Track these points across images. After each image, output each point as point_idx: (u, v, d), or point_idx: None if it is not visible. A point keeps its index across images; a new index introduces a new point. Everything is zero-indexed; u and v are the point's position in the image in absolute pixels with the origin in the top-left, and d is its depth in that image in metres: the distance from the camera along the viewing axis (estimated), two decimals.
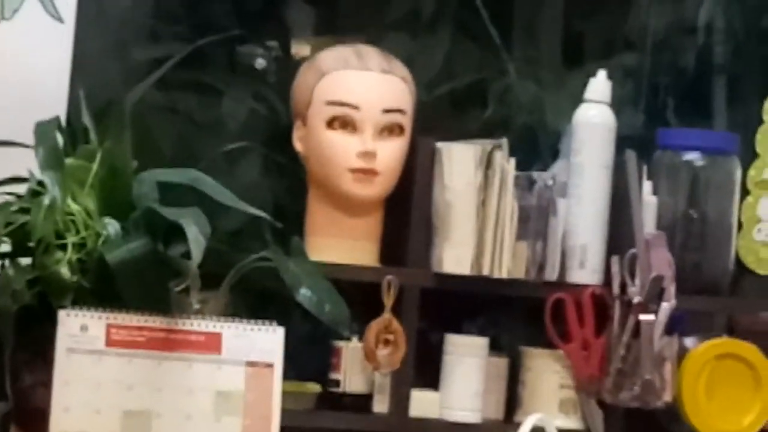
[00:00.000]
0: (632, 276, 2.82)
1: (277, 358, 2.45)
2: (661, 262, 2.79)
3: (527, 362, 2.93)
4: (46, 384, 2.33)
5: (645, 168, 2.92)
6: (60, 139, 2.53)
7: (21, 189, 2.50)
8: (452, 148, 2.84)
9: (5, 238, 2.40)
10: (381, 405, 2.81)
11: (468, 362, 2.85)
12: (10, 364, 2.42)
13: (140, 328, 2.40)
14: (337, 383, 2.83)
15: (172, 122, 2.91)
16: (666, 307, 2.77)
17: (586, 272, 2.88)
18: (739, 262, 2.99)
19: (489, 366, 2.90)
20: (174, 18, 3.02)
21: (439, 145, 2.85)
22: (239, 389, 2.45)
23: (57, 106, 2.70)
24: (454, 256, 2.82)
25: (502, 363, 2.94)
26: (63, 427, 2.33)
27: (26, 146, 2.50)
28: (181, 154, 2.75)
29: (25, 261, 2.42)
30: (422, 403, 2.81)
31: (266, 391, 2.45)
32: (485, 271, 2.82)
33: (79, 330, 2.35)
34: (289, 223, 2.77)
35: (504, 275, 2.83)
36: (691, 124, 3.10)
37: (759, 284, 2.98)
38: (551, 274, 2.87)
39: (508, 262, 2.83)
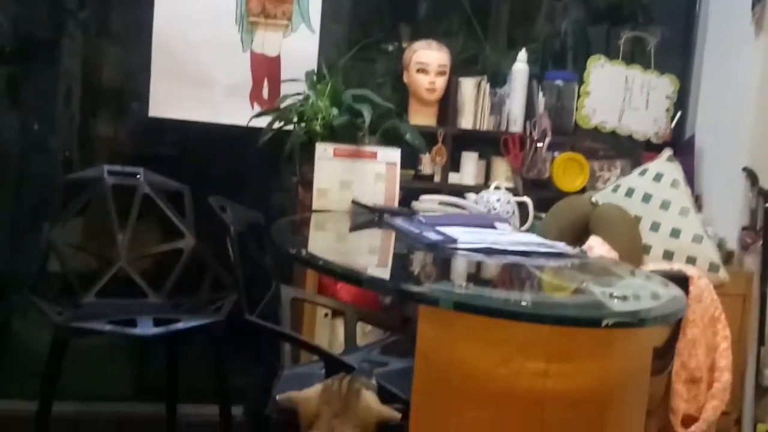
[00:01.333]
0: (534, 128, 2.82)
1: (398, 160, 2.44)
2: (546, 123, 2.80)
3: (493, 163, 2.91)
4: (311, 170, 2.37)
5: (540, 87, 2.89)
6: (314, 77, 2.53)
7: (300, 97, 2.49)
8: (464, 80, 2.84)
9: (295, 116, 2.43)
10: (437, 178, 2.82)
11: (470, 161, 2.86)
12: (299, 163, 2.44)
13: (350, 149, 2.39)
14: (419, 170, 2.83)
15: (357, 72, 2.85)
16: (547, 140, 2.79)
17: (517, 127, 2.86)
18: (576, 123, 2.92)
19: (478, 163, 2.88)
20: (358, 30, 2.96)
21: (460, 79, 2.84)
22: (384, 173, 2.41)
23: (312, 65, 2.67)
24: (465, 121, 2.85)
25: (483, 163, 2.91)
26: (319, 186, 2.34)
27: (300, 81, 2.54)
28: (359, 83, 2.65)
29: (302, 125, 2.42)
30: (454, 176, 2.82)
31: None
32: (477, 127, 2.86)
33: (323, 151, 2.36)
34: (401, 111, 2.71)
35: (485, 128, 2.86)
36: (558, 69, 3.02)
37: (583, 132, 2.92)
38: (503, 127, 2.88)
39: (486, 122, 2.85)
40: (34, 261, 2.40)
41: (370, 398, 1.33)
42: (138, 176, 2.51)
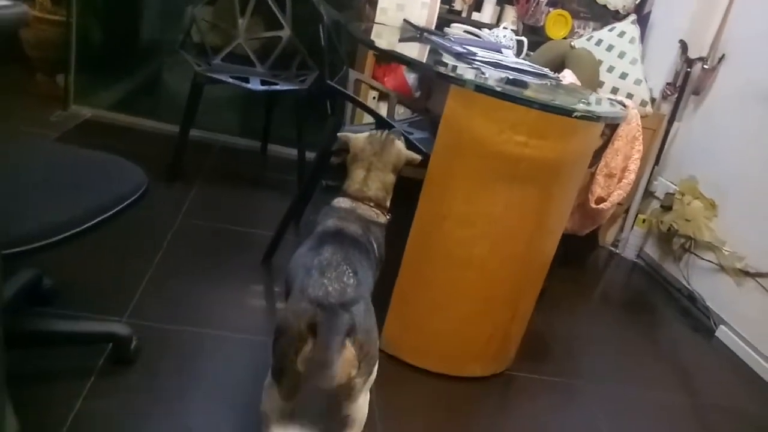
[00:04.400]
0: None
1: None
2: None
3: (505, 9, 2.56)
4: None
5: None
6: None
7: None
8: None
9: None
10: (464, 14, 2.58)
11: (489, 5, 2.55)
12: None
13: None
14: (453, 6, 2.56)
15: None
16: None
17: None
18: None
19: (495, 8, 2.58)
20: None
21: None
22: (428, 3, 2.21)
23: None
24: None
25: (498, 8, 2.56)
26: (381, 6, 2.17)
27: None
28: None
29: None
30: (476, 15, 2.57)
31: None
32: None
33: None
34: None
35: None
36: None
37: None
38: None
39: None
40: (181, 32, 2.28)
41: (400, 145, 1.29)
42: None
